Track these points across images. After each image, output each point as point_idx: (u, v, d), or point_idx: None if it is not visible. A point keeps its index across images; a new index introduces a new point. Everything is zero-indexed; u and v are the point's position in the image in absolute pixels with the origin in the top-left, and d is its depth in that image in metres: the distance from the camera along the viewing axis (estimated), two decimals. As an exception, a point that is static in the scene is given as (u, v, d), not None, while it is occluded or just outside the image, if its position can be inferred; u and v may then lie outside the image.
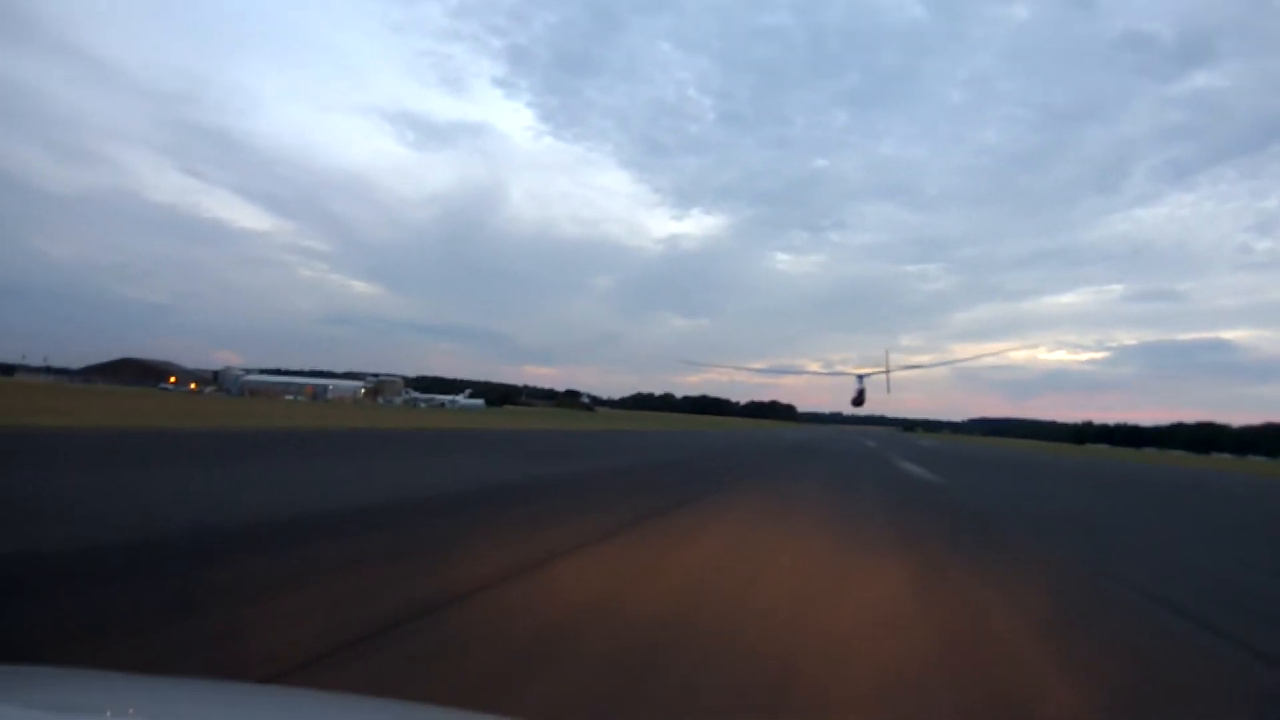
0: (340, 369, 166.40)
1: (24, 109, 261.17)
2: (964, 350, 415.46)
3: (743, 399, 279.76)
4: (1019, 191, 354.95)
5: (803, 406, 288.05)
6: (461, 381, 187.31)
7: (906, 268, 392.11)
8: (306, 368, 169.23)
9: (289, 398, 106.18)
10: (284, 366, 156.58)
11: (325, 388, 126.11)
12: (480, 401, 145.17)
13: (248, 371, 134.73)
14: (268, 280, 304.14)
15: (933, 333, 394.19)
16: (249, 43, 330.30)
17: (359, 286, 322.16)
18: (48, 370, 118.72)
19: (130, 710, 1.35)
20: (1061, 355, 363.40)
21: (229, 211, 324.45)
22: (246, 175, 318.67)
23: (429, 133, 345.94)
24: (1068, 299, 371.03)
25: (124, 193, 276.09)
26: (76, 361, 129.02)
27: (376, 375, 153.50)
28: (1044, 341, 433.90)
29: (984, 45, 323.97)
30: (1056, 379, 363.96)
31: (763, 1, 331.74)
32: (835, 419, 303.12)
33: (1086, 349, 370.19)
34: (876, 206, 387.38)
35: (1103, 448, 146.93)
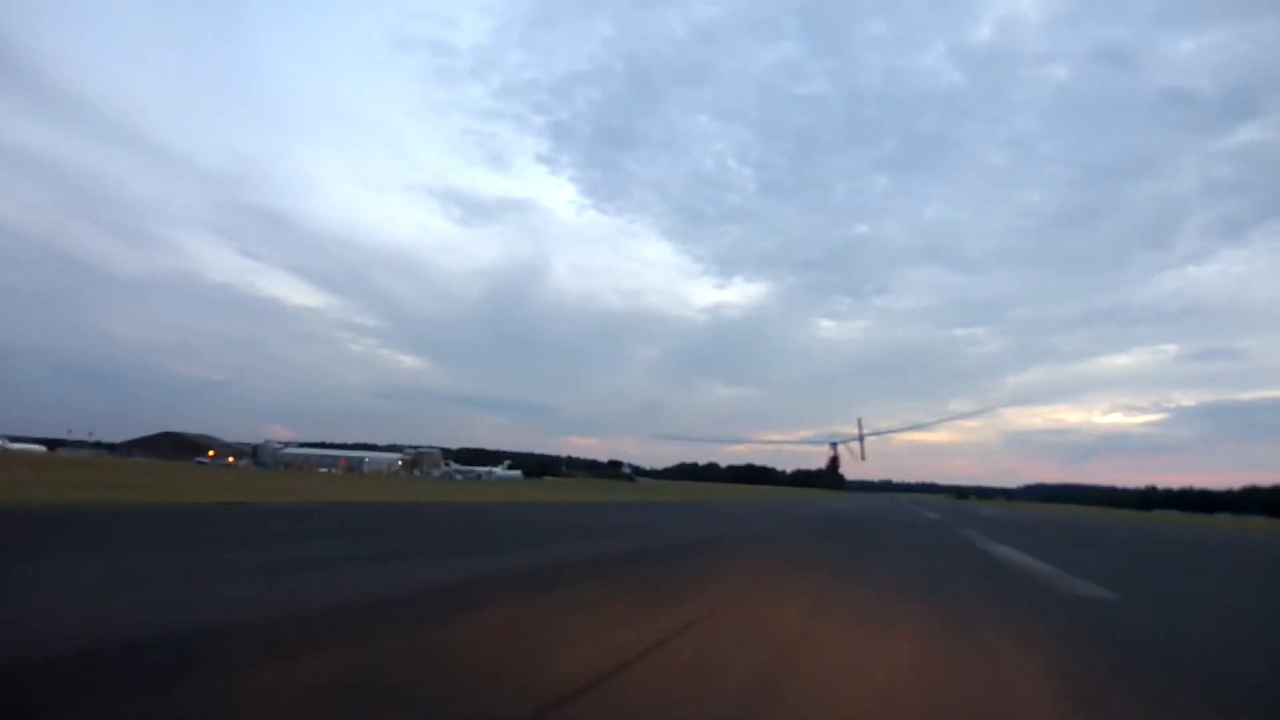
0: (387, 442, 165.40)
1: (94, 196, 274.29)
2: (1016, 415, 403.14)
3: (788, 467, 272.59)
4: (1066, 251, 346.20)
5: (851, 475, 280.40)
6: (503, 453, 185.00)
7: (954, 331, 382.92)
8: (354, 441, 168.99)
9: (323, 470, 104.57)
10: (334, 440, 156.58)
11: (361, 460, 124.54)
12: (518, 473, 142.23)
13: (286, 445, 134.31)
14: (319, 355, 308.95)
15: (983, 397, 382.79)
16: (302, 127, 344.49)
17: (407, 361, 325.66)
18: (94, 445, 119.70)
19: None
20: (1117, 418, 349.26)
21: (283, 289, 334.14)
22: (300, 254, 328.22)
23: (474, 209, 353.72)
24: (1121, 360, 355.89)
25: (184, 274, 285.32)
26: (121, 436, 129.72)
27: (416, 447, 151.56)
28: (1099, 404, 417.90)
29: (1024, 107, 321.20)
30: (1113, 442, 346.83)
31: (799, 70, 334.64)
32: (886, 487, 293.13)
33: (1143, 411, 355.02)
34: (920, 270, 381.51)
35: (1173, 514, 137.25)
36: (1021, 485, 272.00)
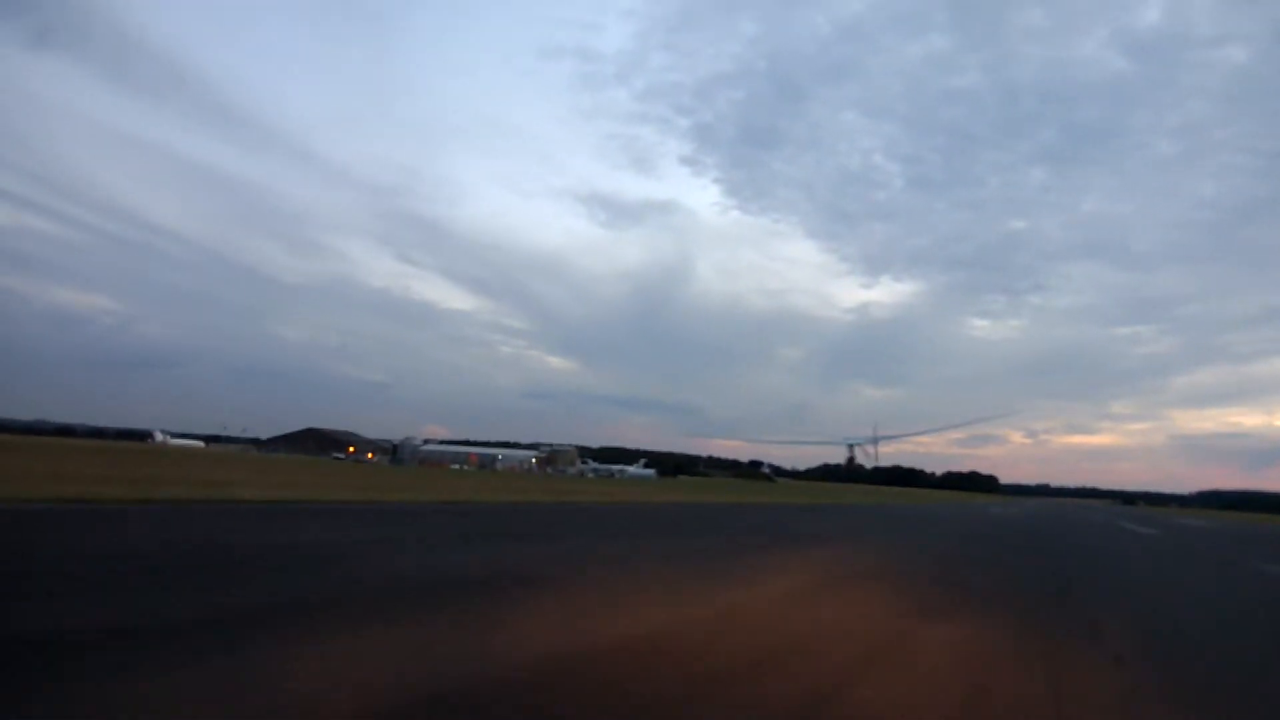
0: (533, 440, 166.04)
1: (265, 209, 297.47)
2: (1184, 418, 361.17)
3: (938, 469, 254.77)
4: (1243, 245, 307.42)
5: (1006, 478, 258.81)
6: (643, 453, 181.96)
7: (1116, 330, 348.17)
8: (502, 439, 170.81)
9: (455, 467, 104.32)
10: (485, 438, 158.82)
11: (494, 457, 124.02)
12: (652, 472, 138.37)
13: (426, 442, 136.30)
14: (471, 357, 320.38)
15: (1147, 399, 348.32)
16: (454, 136, 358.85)
17: (554, 362, 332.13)
18: (246, 441, 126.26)
19: None
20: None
21: (437, 293, 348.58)
22: (453, 258, 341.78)
23: (619, 212, 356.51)
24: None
25: (346, 280, 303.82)
26: (270, 432, 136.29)
27: (552, 445, 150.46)
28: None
29: (1196, 92, 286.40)
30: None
31: (951, 64, 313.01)
32: (1042, 491, 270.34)
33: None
34: (1080, 267, 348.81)
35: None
36: (1194, 491, 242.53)
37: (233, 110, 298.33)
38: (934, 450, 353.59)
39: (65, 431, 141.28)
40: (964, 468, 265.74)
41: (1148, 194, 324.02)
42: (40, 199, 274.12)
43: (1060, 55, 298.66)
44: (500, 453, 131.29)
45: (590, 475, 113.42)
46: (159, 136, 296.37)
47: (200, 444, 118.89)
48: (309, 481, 27.41)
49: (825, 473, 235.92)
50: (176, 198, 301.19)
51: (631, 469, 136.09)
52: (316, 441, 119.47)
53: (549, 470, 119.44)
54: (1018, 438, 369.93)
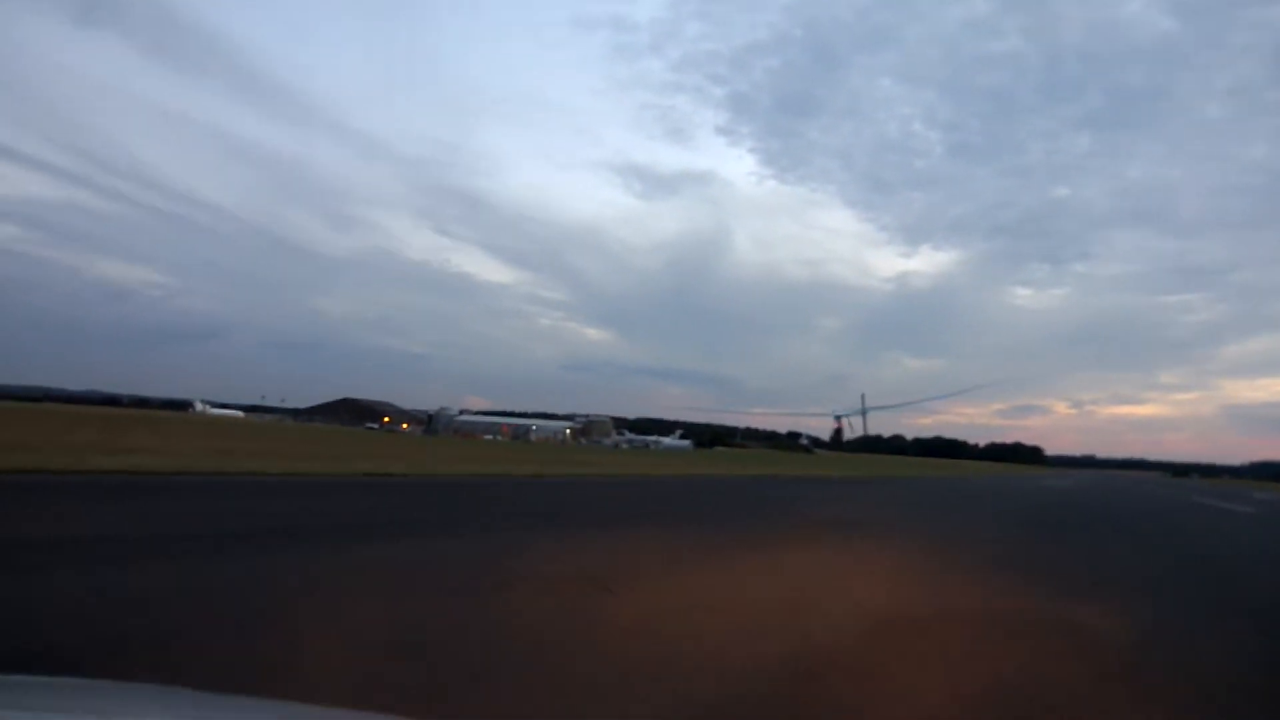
0: (569, 412, 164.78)
1: (305, 184, 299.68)
2: (1235, 387, 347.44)
3: (981, 440, 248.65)
4: None
5: (1050, 449, 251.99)
6: (681, 424, 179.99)
7: (1164, 298, 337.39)
8: (541, 410, 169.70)
9: (487, 437, 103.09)
10: (525, 410, 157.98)
11: (527, 427, 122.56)
12: (688, 443, 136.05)
13: (462, 412, 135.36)
14: (510, 329, 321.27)
15: (1197, 368, 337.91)
16: (490, 109, 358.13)
17: (592, 333, 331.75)
18: (283, 410, 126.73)
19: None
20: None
21: (475, 266, 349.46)
22: (490, 231, 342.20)
23: (655, 183, 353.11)
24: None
25: (385, 253, 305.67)
26: (307, 402, 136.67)
27: (587, 416, 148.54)
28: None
29: (1247, 52, 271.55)
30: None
31: (991, 28, 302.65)
32: (1088, 462, 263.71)
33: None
34: (1126, 234, 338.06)
35: None
36: (1247, 463, 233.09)
37: (272, 85, 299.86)
38: (976, 421, 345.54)
39: (111, 401, 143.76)
40: (1006, 439, 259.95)
41: (1196, 159, 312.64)
42: (89, 174, 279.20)
43: (1104, 16, 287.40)
44: (534, 423, 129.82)
45: (625, 447, 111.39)
46: (201, 112, 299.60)
47: (240, 414, 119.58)
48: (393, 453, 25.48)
49: (864, 444, 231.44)
50: (219, 172, 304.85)
51: (667, 440, 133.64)
52: (352, 411, 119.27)
53: (582, 441, 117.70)
54: (1062, 408, 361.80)
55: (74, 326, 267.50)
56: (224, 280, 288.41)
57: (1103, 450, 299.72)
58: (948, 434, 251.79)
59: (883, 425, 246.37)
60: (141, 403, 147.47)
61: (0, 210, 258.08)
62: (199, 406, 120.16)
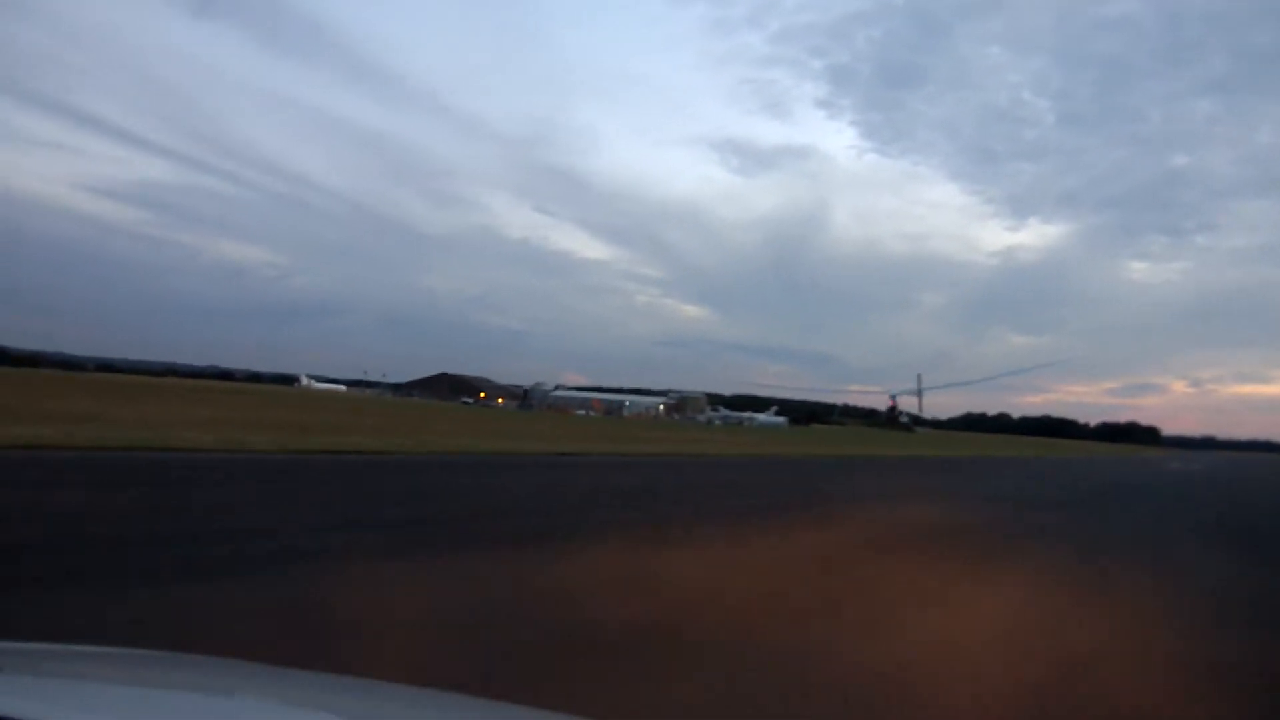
0: (670, 388, 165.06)
1: (409, 164, 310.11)
2: None
3: (1092, 420, 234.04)
4: None
5: (1168, 430, 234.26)
6: (776, 400, 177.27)
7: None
8: (639, 387, 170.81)
9: (580, 412, 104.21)
10: (622, 386, 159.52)
11: (621, 403, 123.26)
12: (782, 420, 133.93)
13: (557, 388, 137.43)
14: (607, 306, 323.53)
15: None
16: (588, 88, 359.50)
17: (689, 310, 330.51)
18: (384, 385, 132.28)
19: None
20: None
21: (573, 243, 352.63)
22: (588, 209, 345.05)
23: (753, 158, 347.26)
24: None
25: (486, 230, 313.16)
26: (407, 376, 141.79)
27: (681, 392, 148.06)
28: None
29: None
30: None
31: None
32: (1209, 444, 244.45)
33: None
34: (1254, 204, 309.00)
35: None
36: None
37: (377, 68, 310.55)
38: (1085, 400, 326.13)
39: (225, 375, 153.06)
40: (1119, 418, 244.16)
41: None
42: (208, 159, 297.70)
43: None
44: (627, 399, 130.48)
45: (718, 423, 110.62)
46: (311, 97, 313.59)
47: (342, 388, 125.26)
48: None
49: (968, 422, 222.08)
50: (328, 154, 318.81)
51: (761, 416, 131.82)
52: (449, 386, 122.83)
53: (676, 417, 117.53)
54: (1179, 387, 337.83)
55: (195, 305, 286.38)
56: (333, 259, 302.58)
57: (1223, 431, 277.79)
58: (1056, 413, 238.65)
59: (988, 404, 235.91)
60: (255, 378, 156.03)
61: (126, 195, 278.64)
62: (304, 381, 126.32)
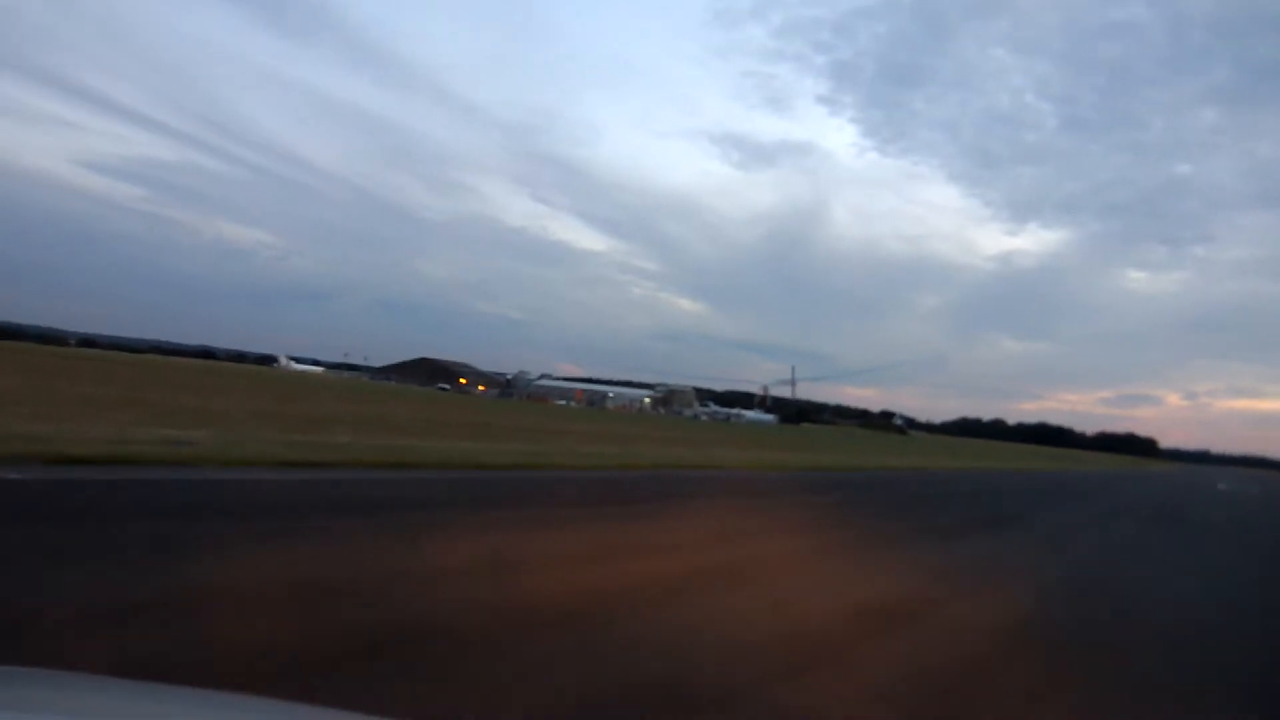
0: (663, 382, 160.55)
1: (409, 149, 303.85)
2: None
3: (1088, 429, 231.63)
4: None
5: (1165, 442, 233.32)
6: (767, 398, 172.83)
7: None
8: (632, 380, 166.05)
9: (561, 403, 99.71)
10: (614, 378, 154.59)
11: (604, 395, 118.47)
12: (772, 417, 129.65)
13: (541, 376, 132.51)
14: (603, 297, 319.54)
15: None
16: (589, 77, 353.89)
17: (684, 304, 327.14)
18: (361, 368, 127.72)
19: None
20: None
21: (571, 234, 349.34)
22: (587, 199, 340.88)
23: (753, 153, 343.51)
24: None
25: (485, 218, 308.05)
26: (387, 360, 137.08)
27: (668, 385, 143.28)
28: None
29: None
30: None
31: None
32: (1203, 458, 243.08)
33: None
34: (1255, 216, 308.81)
35: None
36: None
37: (378, 53, 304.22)
38: (1079, 408, 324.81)
39: (207, 354, 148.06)
40: (1113, 428, 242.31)
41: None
42: (208, 138, 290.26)
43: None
44: (611, 391, 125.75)
45: (705, 418, 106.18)
46: (313, 79, 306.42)
47: (319, 370, 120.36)
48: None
49: (962, 428, 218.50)
50: (328, 137, 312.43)
51: (750, 413, 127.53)
52: (428, 371, 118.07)
53: (661, 411, 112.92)
54: (1174, 399, 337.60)
55: (187, 284, 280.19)
56: (330, 242, 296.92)
57: (1218, 445, 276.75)
58: (1050, 421, 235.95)
59: (983, 410, 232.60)
60: (239, 357, 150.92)
61: (126, 171, 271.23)
62: (283, 361, 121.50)
